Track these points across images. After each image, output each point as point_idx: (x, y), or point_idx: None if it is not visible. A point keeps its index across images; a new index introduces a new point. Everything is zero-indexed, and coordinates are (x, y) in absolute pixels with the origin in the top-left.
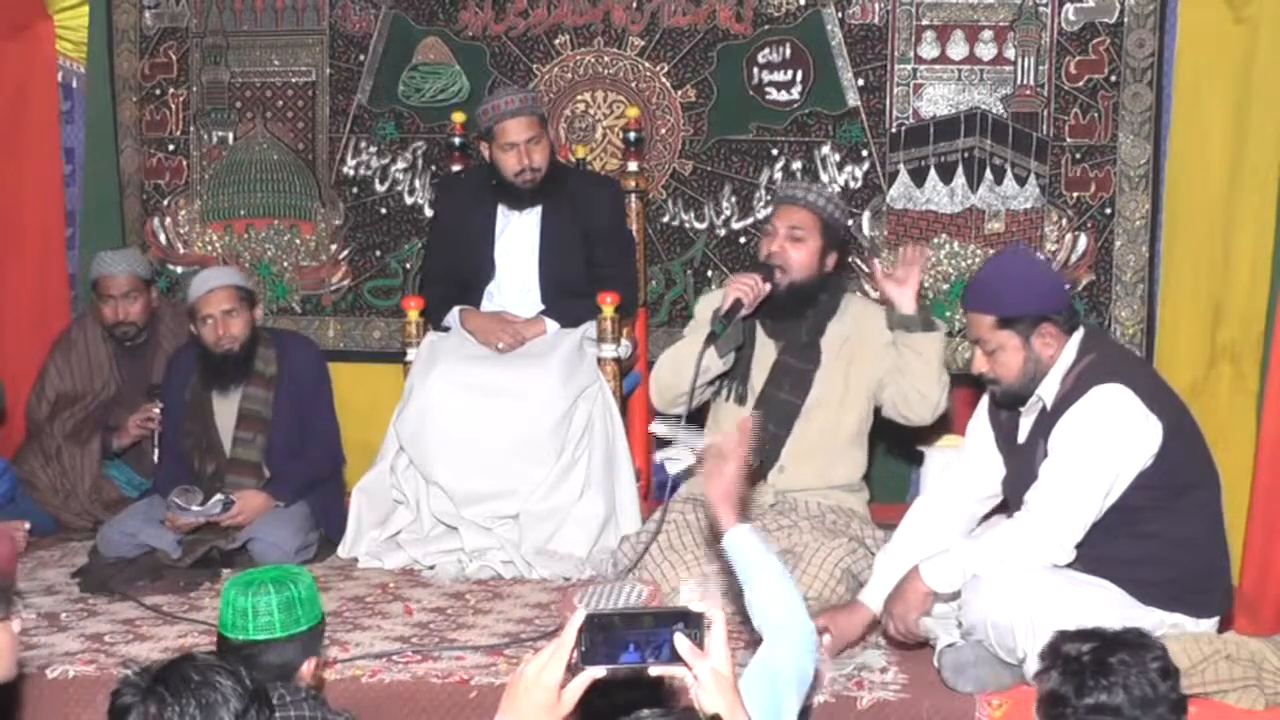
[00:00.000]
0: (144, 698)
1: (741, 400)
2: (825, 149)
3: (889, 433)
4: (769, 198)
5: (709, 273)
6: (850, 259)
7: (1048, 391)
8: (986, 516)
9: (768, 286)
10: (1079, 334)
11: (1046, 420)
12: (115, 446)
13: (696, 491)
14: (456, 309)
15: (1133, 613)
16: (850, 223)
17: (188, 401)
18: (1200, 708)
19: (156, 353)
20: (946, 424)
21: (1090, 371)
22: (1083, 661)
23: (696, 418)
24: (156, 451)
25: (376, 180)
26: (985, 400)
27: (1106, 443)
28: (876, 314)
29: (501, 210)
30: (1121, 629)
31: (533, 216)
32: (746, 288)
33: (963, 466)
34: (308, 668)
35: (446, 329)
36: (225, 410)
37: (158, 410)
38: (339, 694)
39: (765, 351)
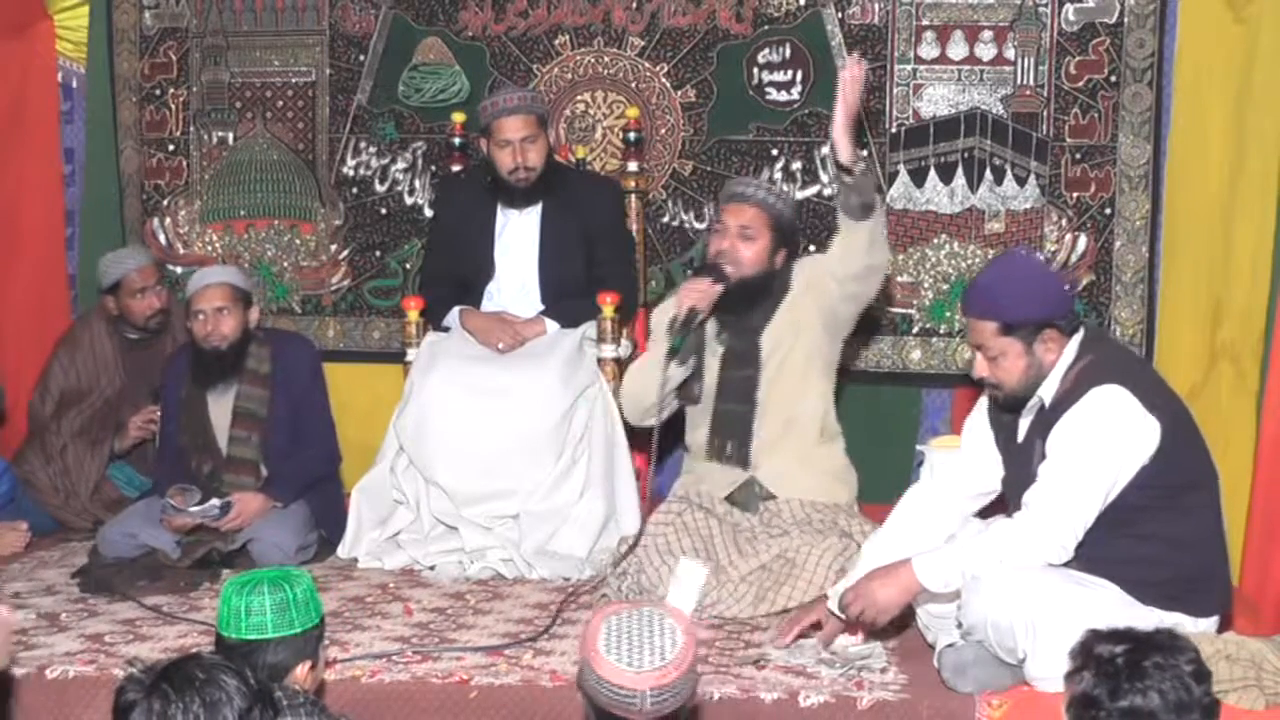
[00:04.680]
0: (148, 695)
1: (695, 400)
2: (825, 149)
3: (889, 433)
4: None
5: None
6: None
7: (1047, 391)
8: (987, 515)
9: (719, 287)
10: (1079, 335)
11: (1044, 419)
12: (117, 448)
13: (690, 491)
14: (456, 309)
15: (1132, 612)
16: (794, 215)
17: (182, 400)
18: None
19: (166, 349)
20: (946, 425)
21: (1088, 372)
22: (1116, 664)
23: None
24: (158, 444)
25: (376, 180)
26: (984, 400)
27: (1104, 444)
28: (817, 261)
29: (501, 210)
30: (1154, 629)
31: (532, 216)
32: (699, 294)
33: (958, 463)
34: (301, 671)
35: (446, 329)
36: (220, 409)
37: (158, 413)
38: (339, 694)
39: (715, 348)
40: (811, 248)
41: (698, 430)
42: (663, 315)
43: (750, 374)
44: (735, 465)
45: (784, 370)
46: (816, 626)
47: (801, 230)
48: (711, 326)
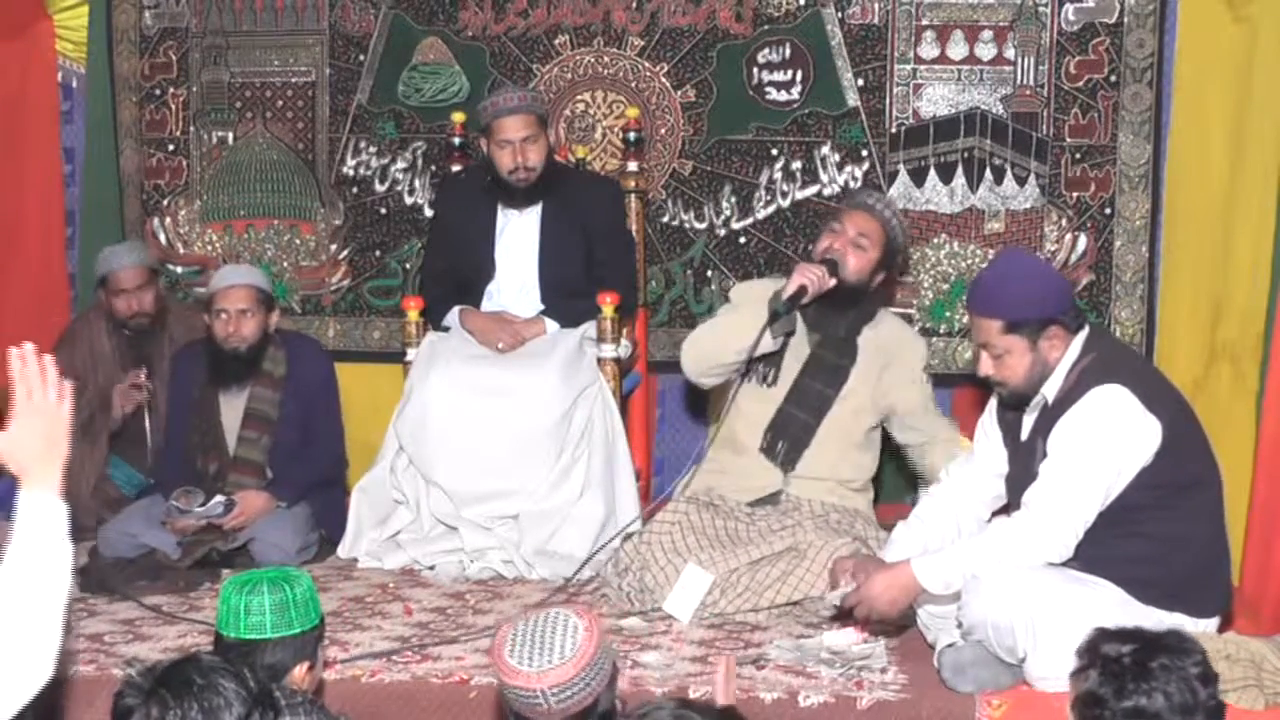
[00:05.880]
0: (146, 700)
1: (772, 383)
2: (825, 149)
3: (888, 434)
4: (768, 198)
5: (709, 273)
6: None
7: (1050, 389)
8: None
9: (832, 281)
10: (1084, 333)
11: (1047, 417)
12: (111, 427)
13: (701, 488)
14: (456, 309)
15: (1133, 612)
16: (906, 239)
17: (194, 399)
18: None
19: (163, 347)
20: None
21: (1090, 371)
22: (1123, 663)
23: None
24: (148, 420)
25: (376, 180)
26: (994, 400)
27: (1105, 444)
28: (912, 339)
29: (502, 210)
30: (1163, 630)
31: (533, 216)
32: (815, 277)
33: (972, 467)
34: (299, 671)
35: (446, 329)
36: (231, 409)
37: (143, 376)
38: (339, 694)
39: (800, 343)
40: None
41: (747, 422)
42: (749, 290)
43: (829, 393)
44: (780, 466)
45: (853, 419)
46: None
47: (905, 265)
48: (802, 327)
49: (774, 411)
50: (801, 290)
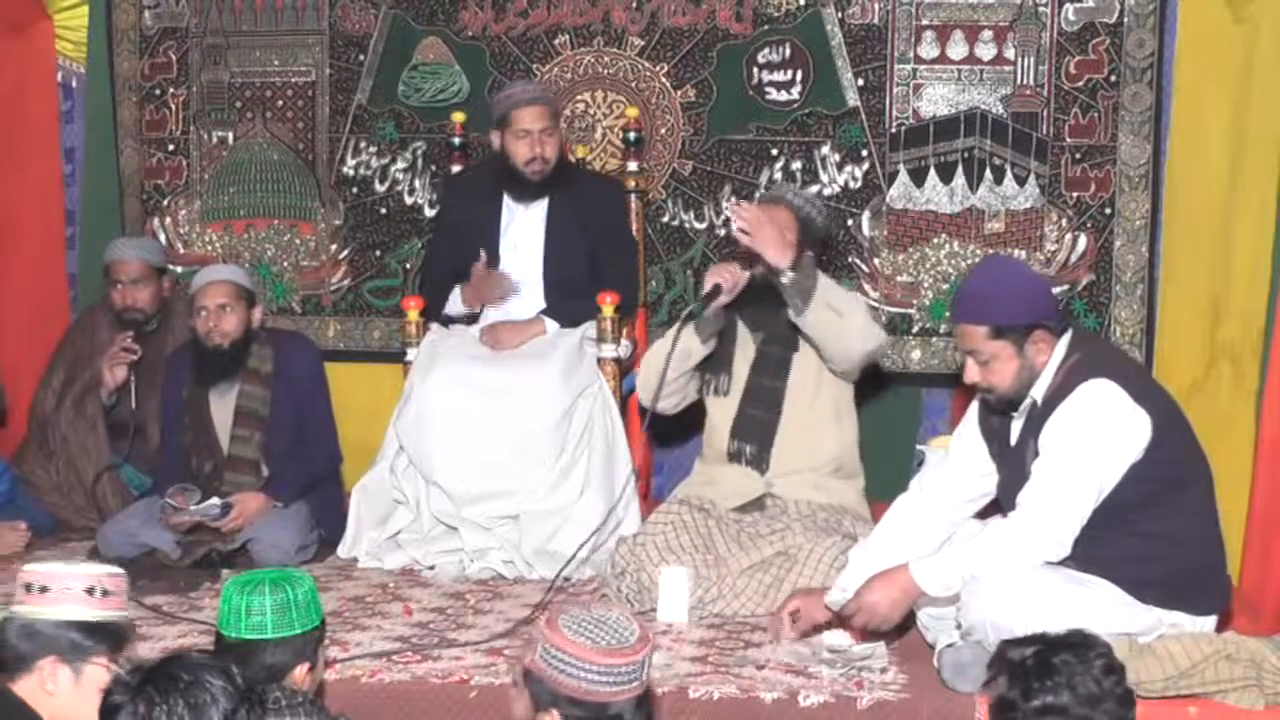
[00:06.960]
0: (133, 697)
1: (725, 392)
2: (825, 149)
3: (888, 434)
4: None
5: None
6: (850, 260)
7: (1038, 390)
8: (984, 515)
9: (747, 274)
10: (1068, 334)
11: (1037, 418)
12: (105, 400)
13: (692, 494)
14: (456, 288)
15: (1132, 611)
16: (827, 224)
17: (185, 399)
18: (1200, 708)
19: (166, 343)
20: (946, 425)
21: (1078, 368)
22: (1027, 665)
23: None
24: (134, 386)
25: (376, 180)
26: (975, 406)
27: (1096, 437)
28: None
29: (508, 204)
30: (1064, 631)
31: (538, 211)
32: (726, 274)
33: (948, 470)
34: (300, 672)
35: (449, 320)
36: (222, 408)
37: (129, 337)
38: (339, 694)
39: (746, 345)
40: None
41: (718, 433)
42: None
43: (779, 385)
44: (753, 468)
45: (811, 404)
46: (795, 615)
47: (831, 241)
48: (744, 330)
49: (734, 418)
50: (716, 289)
